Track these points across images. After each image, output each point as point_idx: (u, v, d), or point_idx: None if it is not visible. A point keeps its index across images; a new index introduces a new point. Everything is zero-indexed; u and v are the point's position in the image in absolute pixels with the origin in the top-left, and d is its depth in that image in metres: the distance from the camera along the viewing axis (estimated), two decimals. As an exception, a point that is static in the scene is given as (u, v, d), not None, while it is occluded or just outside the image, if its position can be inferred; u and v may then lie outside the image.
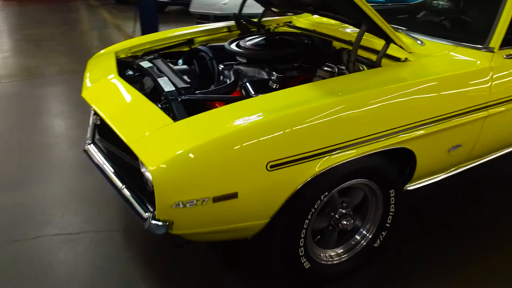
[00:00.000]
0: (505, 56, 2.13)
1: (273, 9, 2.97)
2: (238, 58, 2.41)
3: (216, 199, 1.50)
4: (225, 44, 2.50)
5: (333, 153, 1.64)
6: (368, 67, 2.11)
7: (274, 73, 2.24)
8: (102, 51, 2.74)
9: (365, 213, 2.04)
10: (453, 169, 2.24)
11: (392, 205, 2.00)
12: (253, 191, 1.56)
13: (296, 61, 2.34)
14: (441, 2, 3.10)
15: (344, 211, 1.95)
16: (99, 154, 2.08)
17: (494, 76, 2.06)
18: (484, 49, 2.11)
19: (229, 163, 1.50)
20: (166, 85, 1.98)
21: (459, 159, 2.17)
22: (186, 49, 2.83)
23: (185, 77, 2.16)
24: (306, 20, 2.97)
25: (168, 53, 2.73)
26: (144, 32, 5.46)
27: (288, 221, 1.72)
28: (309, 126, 1.60)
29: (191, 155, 1.46)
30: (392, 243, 2.19)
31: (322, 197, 1.75)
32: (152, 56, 2.47)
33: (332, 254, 2.00)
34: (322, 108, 1.64)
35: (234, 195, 1.52)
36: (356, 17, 1.97)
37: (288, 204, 1.65)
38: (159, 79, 2.05)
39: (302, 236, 1.78)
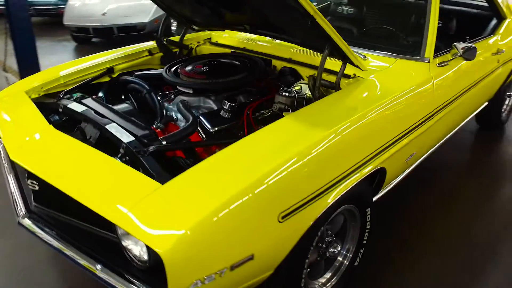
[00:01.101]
0: (438, 64, 2.27)
1: (194, 26, 2.75)
2: (181, 88, 2.16)
3: (234, 267, 1.31)
4: (163, 73, 2.23)
5: (335, 186, 1.57)
6: (325, 88, 2.06)
7: (226, 102, 2.06)
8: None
9: (344, 234, 2.01)
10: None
11: (368, 222, 2.01)
12: (268, 247, 1.40)
13: (245, 86, 2.19)
14: (346, 8, 3.21)
15: (329, 238, 1.88)
16: (45, 227, 1.68)
17: (435, 84, 2.19)
18: (421, 60, 2.23)
19: (242, 226, 1.32)
20: (122, 134, 1.67)
21: (412, 164, 2.27)
22: (107, 79, 2.47)
23: (133, 119, 1.86)
24: (229, 37, 2.82)
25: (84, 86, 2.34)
26: (19, 51, 4.63)
27: (291, 266, 1.60)
28: (312, 165, 1.51)
29: (202, 228, 1.23)
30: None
31: (319, 233, 1.66)
32: (78, 95, 2.09)
33: (323, 281, 1.94)
34: (318, 144, 1.55)
35: (250, 258, 1.34)
36: (316, 39, 1.89)
37: (293, 249, 1.53)
38: (108, 127, 1.73)
39: (303, 276, 1.68)
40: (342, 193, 1.61)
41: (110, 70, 2.47)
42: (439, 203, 2.76)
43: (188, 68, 2.24)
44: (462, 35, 2.84)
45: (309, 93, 2.06)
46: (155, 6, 6.18)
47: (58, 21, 6.98)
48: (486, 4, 3.25)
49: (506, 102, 3.59)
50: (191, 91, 2.11)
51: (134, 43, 2.73)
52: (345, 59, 1.97)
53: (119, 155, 1.64)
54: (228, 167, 1.44)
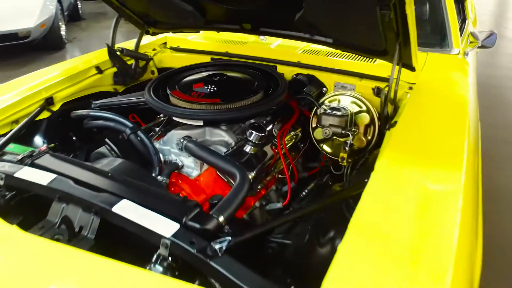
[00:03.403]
0: (465, 55, 1.92)
1: (151, 29, 1.99)
2: (180, 120, 1.46)
3: None
4: (148, 100, 1.49)
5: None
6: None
7: (252, 131, 1.43)
8: None
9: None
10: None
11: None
12: None
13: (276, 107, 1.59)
14: None
15: None
16: None
17: (470, 78, 1.83)
18: (451, 52, 1.85)
19: None
20: (155, 222, 0.96)
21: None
22: (46, 115, 1.62)
23: (148, 186, 1.13)
24: (196, 40, 2.12)
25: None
26: None
27: None
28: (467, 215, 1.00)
29: None
30: None
31: None
32: (26, 153, 1.25)
33: None
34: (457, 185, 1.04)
35: None
36: (377, 37, 1.35)
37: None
38: (120, 210, 0.98)
39: None
40: None
41: (49, 102, 1.63)
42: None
43: (181, 88, 1.53)
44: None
45: (352, 108, 1.54)
46: (41, 7, 5.05)
47: None
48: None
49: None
50: (201, 123, 1.42)
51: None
52: (400, 60, 1.48)
53: (155, 257, 0.93)
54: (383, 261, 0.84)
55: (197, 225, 0.96)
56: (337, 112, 1.44)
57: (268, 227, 1.09)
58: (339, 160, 1.43)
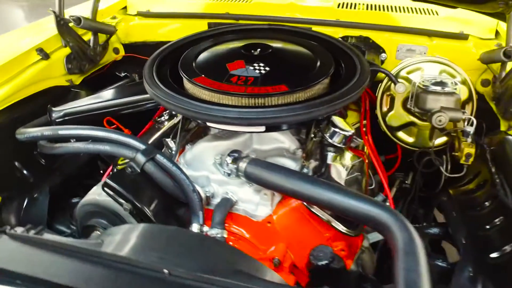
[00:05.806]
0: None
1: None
2: (229, 128, 0.85)
3: None
4: (162, 98, 0.86)
5: None
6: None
7: (336, 130, 0.90)
8: None
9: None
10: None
11: None
12: None
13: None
14: None
15: None
16: None
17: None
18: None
19: None
20: None
21: None
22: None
23: None
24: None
25: None
26: None
27: None
28: None
29: None
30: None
31: None
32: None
33: None
34: None
35: None
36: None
37: None
38: None
39: None
40: None
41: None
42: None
43: (206, 72, 0.91)
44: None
45: (454, 82, 1.06)
46: None
47: None
48: None
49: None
50: (262, 129, 0.84)
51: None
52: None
53: None
54: None
55: None
56: (447, 89, 0.95)
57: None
58: (463, 158, 0.94)
